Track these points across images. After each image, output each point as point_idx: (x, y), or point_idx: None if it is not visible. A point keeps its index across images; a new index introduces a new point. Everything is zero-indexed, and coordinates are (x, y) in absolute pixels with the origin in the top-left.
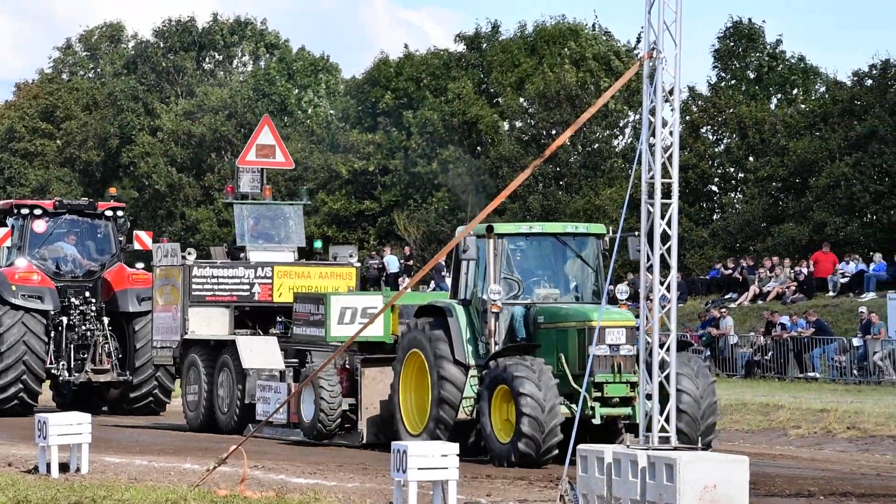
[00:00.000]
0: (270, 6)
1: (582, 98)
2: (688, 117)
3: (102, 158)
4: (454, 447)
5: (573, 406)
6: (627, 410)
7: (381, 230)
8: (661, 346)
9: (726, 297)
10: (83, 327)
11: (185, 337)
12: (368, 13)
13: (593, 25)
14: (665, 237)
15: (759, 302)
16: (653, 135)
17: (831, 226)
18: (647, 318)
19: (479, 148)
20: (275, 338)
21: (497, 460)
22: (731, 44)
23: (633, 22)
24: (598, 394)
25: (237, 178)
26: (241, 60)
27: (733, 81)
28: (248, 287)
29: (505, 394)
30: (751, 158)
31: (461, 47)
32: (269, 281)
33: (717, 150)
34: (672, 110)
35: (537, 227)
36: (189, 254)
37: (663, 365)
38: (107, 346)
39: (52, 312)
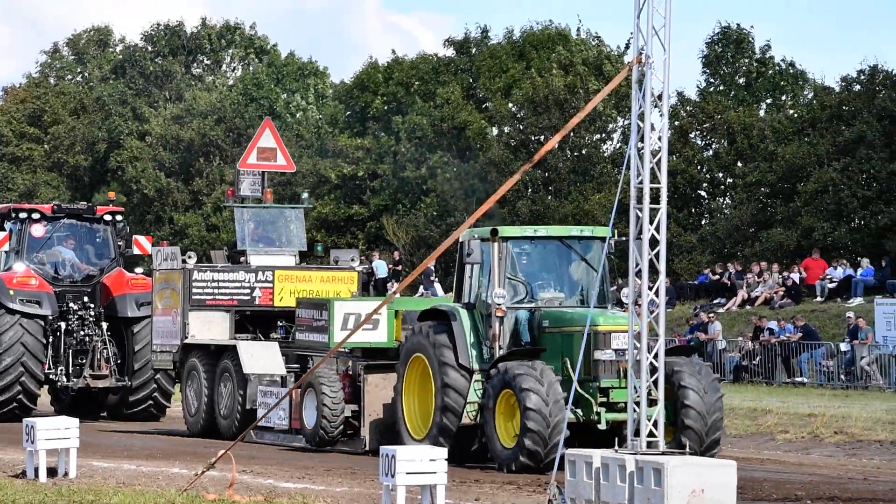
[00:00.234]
0: (259, 11)
1: (570, 103)
2: (676, 122)
3: (90, 163)
4: (443, 452)
5: (578, 411)
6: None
7: (369, 235)
8: (663, 351)
9: (714, 302)
10: (81, 332)
11: (186, 341)
12: (358, 18)
13: (578, 30)
14: (654, 242)
15: (748, 307)
16: (641, 140)
17: (819, 231)
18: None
19: (468, 153)
20: (276, 343)
21: (502, 465)
22: (720, 49)
23: (625, 26)
24: (604, 399)
25: (238, 182)
26: (230, 65)
27: (722, 87)
28: (248, 291)
29: (510, 399)
30: (739, 164)
31: (450, 52)
32: (270, 285)
33: (705, 155)
34: (661, 115)
35: (542, 230)
36: (189, 257)
37: (667, 367)
38: (105, 351)
39: (51, 317)
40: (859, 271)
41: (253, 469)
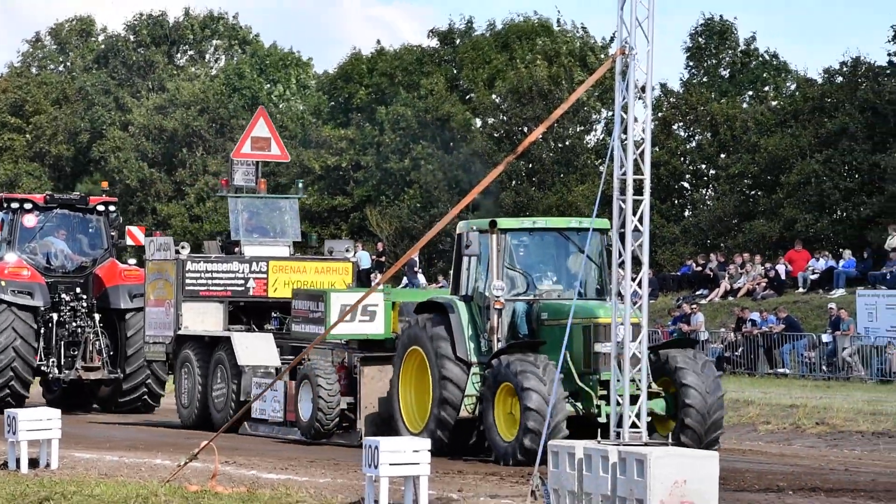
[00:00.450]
0: (243, 1)
1: (554, 94)
2: (660, 114)
3: (73, 153)
4: (426, 443)
5: (578, 404)
6: (634, 408)
7: (353, 226)
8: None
9: (697, 293)
10: (74, 324)
11: (179, 332)
12: (341, 8)
13: (558, 21)
14: (637, 233)
15: (730, 298)
16: (625, 131)
17: (801, 222)
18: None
19: (451, 144)
20: (271, 334)
21: (500, 458)
22: (703, 41)
23: (610, 17)
24: (604, 392)
25: (231, 171)
26: (213, 56)
27: (705, 78)
28: (242, 282)
29: (509, 391)
30: (722, 155)
31: (434, 42)
32: (265, 276)
33: (688, 146)
34: (644, 107)
35: (541, 222)
36: (183, 247)
37: (669, 362)
38: (98, 343)
39: (42, 309)
40: (841, 263)
41: (236, 460)
